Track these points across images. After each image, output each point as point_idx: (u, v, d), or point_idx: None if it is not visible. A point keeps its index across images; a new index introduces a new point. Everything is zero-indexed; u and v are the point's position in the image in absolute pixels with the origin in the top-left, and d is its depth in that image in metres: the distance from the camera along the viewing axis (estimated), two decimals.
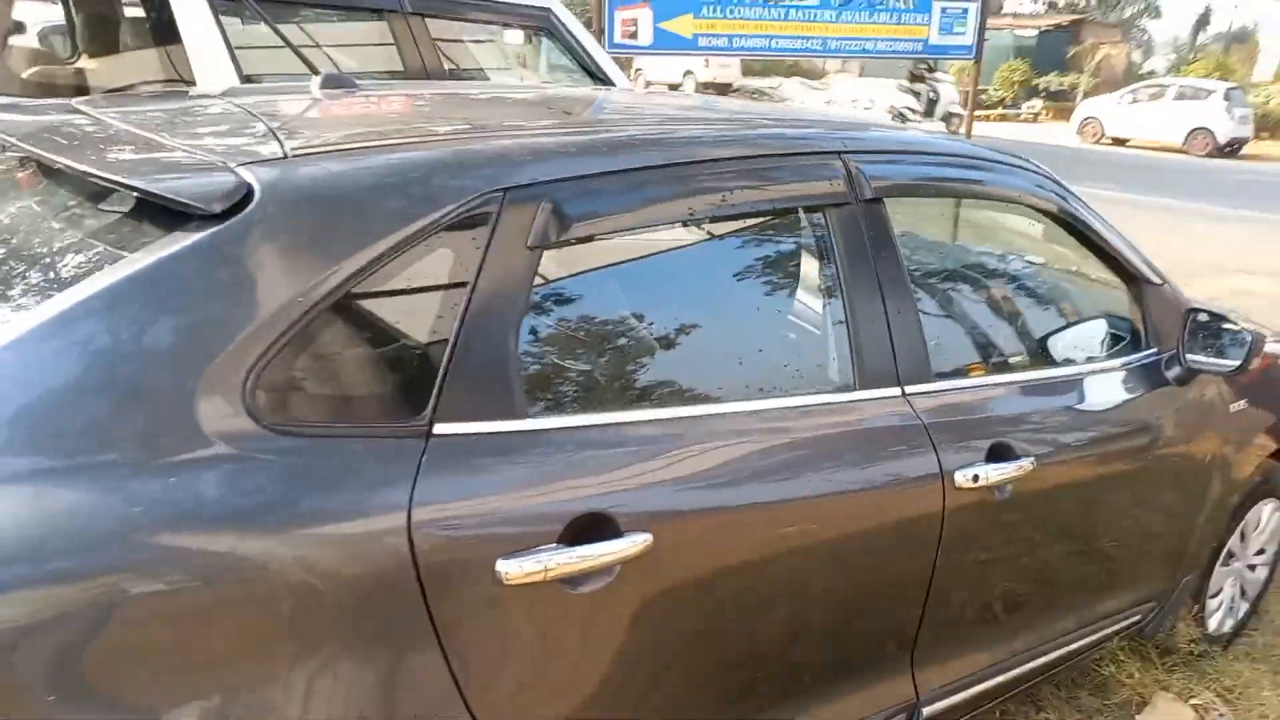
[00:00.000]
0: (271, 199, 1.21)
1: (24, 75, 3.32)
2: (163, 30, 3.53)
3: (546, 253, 1.37)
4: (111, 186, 1.26)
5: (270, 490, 1.12)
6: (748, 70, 26.41)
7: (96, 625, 1.01)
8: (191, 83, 3.41)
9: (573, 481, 1.31)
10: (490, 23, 4.65)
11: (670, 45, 8.29)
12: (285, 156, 1.30)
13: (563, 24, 4.66)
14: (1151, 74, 32.47)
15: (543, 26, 4.61)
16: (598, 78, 4.72)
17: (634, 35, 8.00)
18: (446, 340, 1.26)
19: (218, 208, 1.18)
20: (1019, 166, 2.04)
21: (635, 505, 1.34)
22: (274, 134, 1.42)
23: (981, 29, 9.83)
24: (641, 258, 1.61)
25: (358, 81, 1.91)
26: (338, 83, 1.86)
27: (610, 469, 1.35)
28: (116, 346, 1.10)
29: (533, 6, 4.56)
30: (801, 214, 1.74)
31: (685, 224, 1.61)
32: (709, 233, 1.67)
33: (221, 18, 3.51)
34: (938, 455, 1.67)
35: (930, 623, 1.77)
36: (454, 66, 4.40)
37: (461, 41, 4.76)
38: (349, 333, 1.25)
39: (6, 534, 0.99)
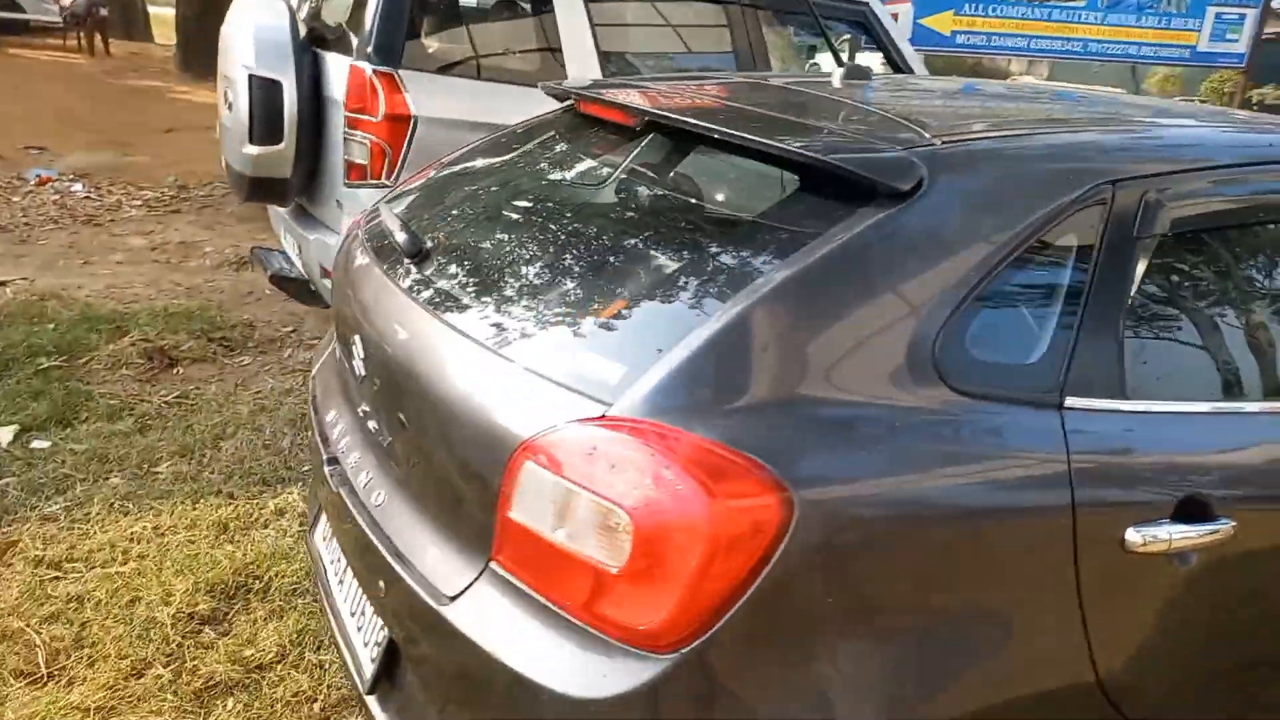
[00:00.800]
0: (938, 182, 1.33)
1: (430, 52, 3.68)
2: (539, 16, 3.84)
3: (1151, 244, 1.45)
4: (801, 163, 1.40)
5: (964, 445, 1.24)
6: (928, 66, 25.56)
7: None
8: (561, 65, 3.69)
9: (1182, 462, 1.39)
10: (815, 16, 4.77)
11: (928, 42, 8.19)
12: (938, 143, 1.43)
13: (878, 18, 4.74)
14: None
15: (860, 20, 4.70)
16: (902, 71, 4.78)
17: None
18: (1073, 318, 1.36)
19: (907, 187, 1.32)
20: None
21: (1226, 491, 1.40)
22: (904, 122, 1.55)
23: (1258, 36, 9.25)
24: (1223, 255, 1.65)
25: (868, 70, 2.05)
26: (858, 74, 1.99)
27: (1209, 454, 1.42)
28: (832, 309, 1.24)
29: (854, 1, 4.65)
30: None
31: (1256, 223, 1.65)
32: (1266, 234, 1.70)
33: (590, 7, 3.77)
34: None
35: None
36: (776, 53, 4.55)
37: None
38: (999, 304, 1.36)
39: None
